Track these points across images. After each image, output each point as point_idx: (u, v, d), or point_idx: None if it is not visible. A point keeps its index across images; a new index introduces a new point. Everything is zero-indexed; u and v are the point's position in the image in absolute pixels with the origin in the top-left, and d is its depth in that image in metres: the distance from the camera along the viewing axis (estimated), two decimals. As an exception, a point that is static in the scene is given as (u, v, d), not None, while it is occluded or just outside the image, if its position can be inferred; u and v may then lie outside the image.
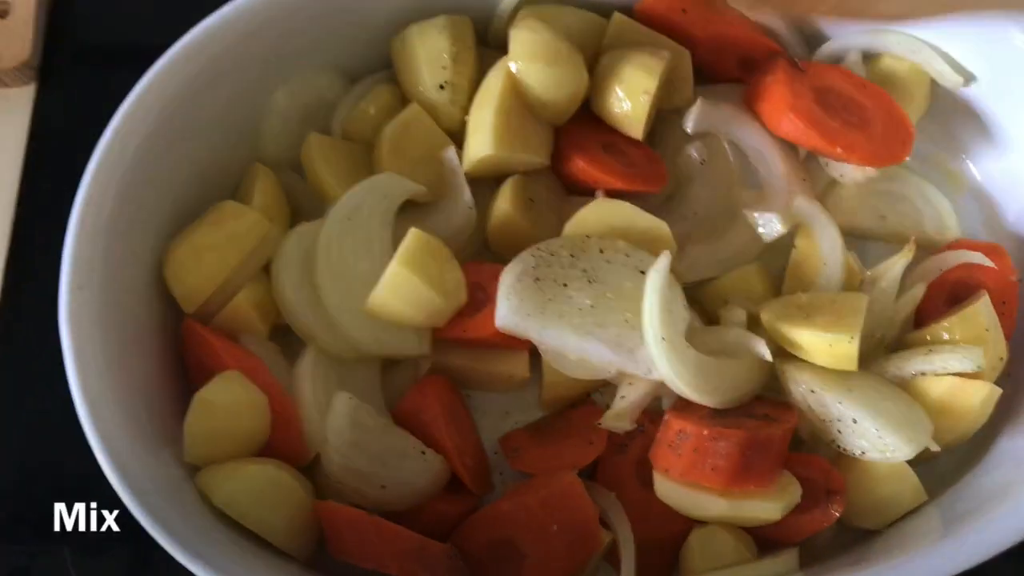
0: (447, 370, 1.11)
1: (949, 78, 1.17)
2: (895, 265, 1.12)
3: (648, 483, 1.04)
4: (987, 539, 0.92)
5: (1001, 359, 1.09)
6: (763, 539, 1.04)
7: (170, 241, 1.08)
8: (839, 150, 1.12)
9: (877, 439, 1.01)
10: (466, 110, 1.14)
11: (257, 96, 1.15)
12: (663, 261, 1.00)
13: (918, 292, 1.13)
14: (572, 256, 1.04)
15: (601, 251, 1.04)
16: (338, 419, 1.03)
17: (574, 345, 1.02)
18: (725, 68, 1.20)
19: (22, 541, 1.16)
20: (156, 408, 1.03)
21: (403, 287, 1.03)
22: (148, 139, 1.02)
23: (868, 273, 1.14)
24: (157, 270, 1.07)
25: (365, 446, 1.03)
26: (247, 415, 1.02)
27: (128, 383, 0.99)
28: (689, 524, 1.04)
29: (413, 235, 1.04)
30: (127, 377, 0.99)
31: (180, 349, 1.09)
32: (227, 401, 1.01)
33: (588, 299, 1.02)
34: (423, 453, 1.04)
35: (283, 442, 1.04)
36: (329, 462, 1.03)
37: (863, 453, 1.03)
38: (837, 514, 1.02)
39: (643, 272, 1.02)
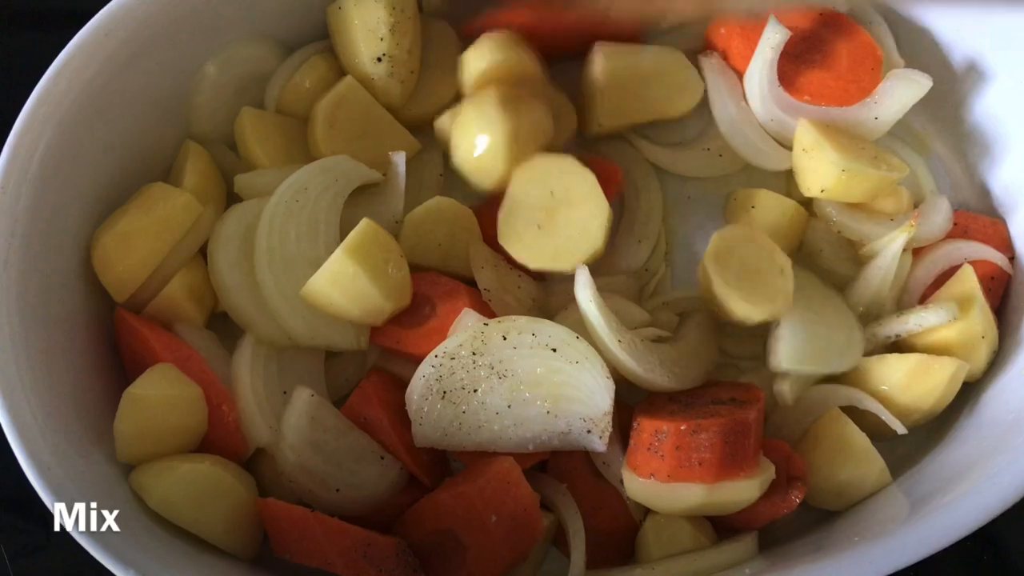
0: (390, 372, 1.06)
1: (894, 59, 1.15)
2: (894, 242, 1.07)
3: (599, 474, 1.01)
4: (951, 522, 0.88)
5: (983, 336, 1.06)
6: (722, 525, 1.02)
7: (97, 227, 1.02)
8: (807, 97, 1.10)
9: None
10: (404, 82, 1.09)
11: (188, 68, 1.10)
12: (583, 276, 0.98)
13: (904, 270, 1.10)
14: (475, 355, 0.97)
15: (504, 338, 0.97)
16: (297, 415, 0.98)
17: (503, 446, 0.98)
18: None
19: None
20: (86, 404, 0.98)
21: (345, 278, 0.97)
22: (69, 116, 0.97)
23: (866, 248, 1.10)
24: (85, 257, 1.02)
25: (322, 445, 0.99)
26: (181, 410, 0.97)
27: (53, 377, 0.94)
28: (645, 513, 1.01)
29: (365, 225, 0.99)
30: (52, 371, 0.94)
31: (113, 341, 1.05)
32: (159, 396, 0.96)
33: (502, 399, 0.97)
34: (382, 458, 1.00)
35: (221, 437, 1.00)
36: (283, 459, 0.98)
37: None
38: (798, 500, 0.99)
39: (554, 349, 0.97)
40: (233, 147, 1.13)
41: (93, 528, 0.87)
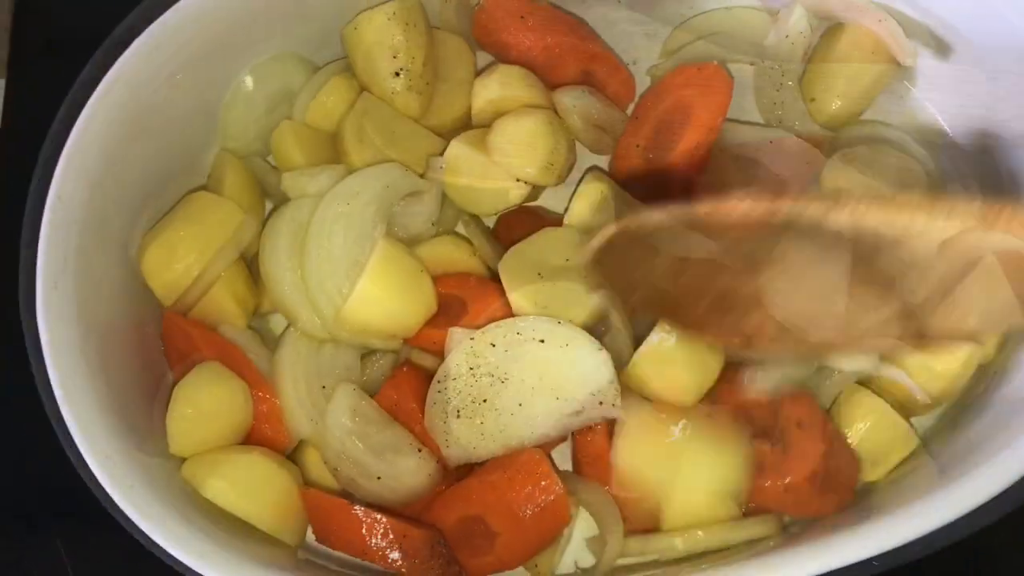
0: (422, 367, 1.10)
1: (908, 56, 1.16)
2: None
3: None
4: (984, 482, 0.89)
5: None
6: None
7: (145, 235, 1.08)
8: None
9: None
10: (423, 94, 1.14)
11: (221, 84, 1.15)
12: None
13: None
14: (471, 369, 1.02)
15: (493, 344, 1.02)
16: (340, 409, 1.03)
17: (530, 441, 1.03)
18: (565, 78, 1.20)
19: (13, 534, 1.17)
20: (138, 402, 1.04)
21: (371, 303, 1.04)
22: (115, 132, 1.02)
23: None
24: (131, 264, 1.08)
25: (364, 437, 1.03)
26: (228, 404, 1.03)
27: (109, 378, 0.99)
28: None
29: (384, 249, 1.05)
30: (107, 373, 0.99)
31: (160, 342, 1.10)
32: (208, 391, 1.02)
33: (513, 401, 1.01)
34: (419, 450, 1.04)
35: (265, 430, 1.06)
36: (327, 449, 1.03)
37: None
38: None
39: (542, 340, 1.00)
40: (265, 160, 1.19)
41: (151, 513, 0.92)
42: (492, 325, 1.02)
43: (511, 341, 1.01)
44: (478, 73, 1.18)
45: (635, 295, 1.00)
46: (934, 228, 0.77)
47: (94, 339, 0.99)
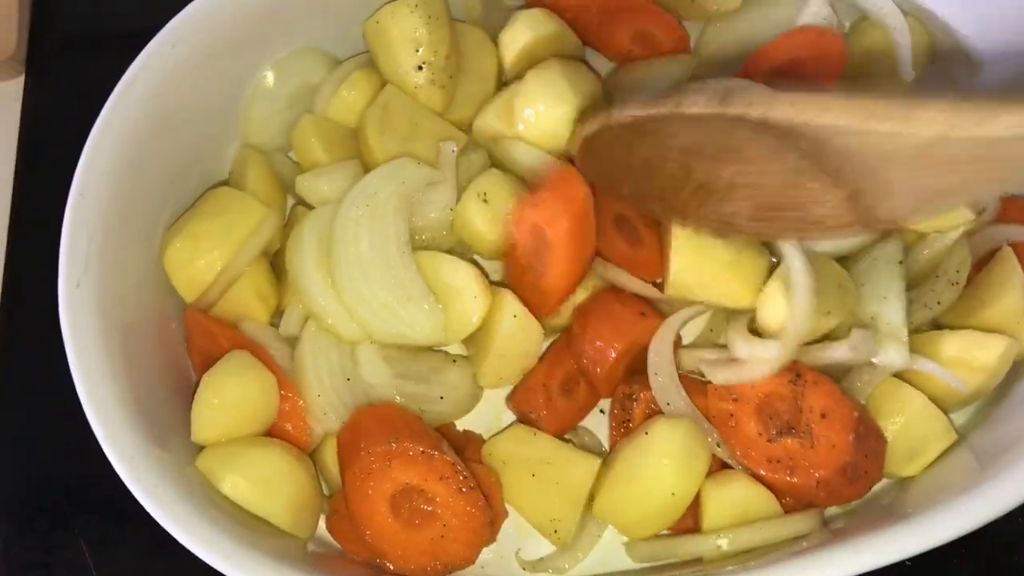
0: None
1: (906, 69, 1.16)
2: (947, 236, 1.07)
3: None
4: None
5: None
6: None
7: (167, 231, 1.08)
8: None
9: None
10: (446, 87, 1.13)
11: (242, 80, 1.15)
12: None
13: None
14: None
15: None
16: (373, 363, 1.05)
17: None
18: (618, 41, 1.19)
19: (40, 534, 1.16)
20: (161, 400, 1.03)
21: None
22: (137, 129, 1.02)
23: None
24: (154, 260, 1.07)
25: (407, 373, 1.06)
26: (256, 395, 1.03)
27: (132, 376, 0.99)
28: None
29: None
30: (131, 371, 0.99)
31: (183, 339, 1.10)
32: (236, 381, 1.02)
33: None
34: (454, 361, 1.09)
35: (287, 428, 1.06)
36: (389, 398, 1.05)
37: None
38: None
39: None
40: (286, 155, 1.18)
41: (174, 513, 0.91)
42: None
43: None
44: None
45: (624, 185, 1.03)
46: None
47: (117, 337, 0.99)
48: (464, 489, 0.98)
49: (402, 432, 0.99)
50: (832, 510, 1.06)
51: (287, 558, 0.95)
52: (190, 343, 1.10)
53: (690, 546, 1.01)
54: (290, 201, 1.18)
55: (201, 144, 1.13)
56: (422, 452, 0.98)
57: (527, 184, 1.10)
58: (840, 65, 1.13)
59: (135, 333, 1.03)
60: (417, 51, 1.11)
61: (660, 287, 1.09)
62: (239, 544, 0.92)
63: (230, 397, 1.01)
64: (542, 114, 1.07)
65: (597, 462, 1.03)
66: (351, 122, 1.15)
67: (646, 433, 1.01)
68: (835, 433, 0.99)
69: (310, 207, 1.10)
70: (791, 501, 1.03)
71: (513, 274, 1.09)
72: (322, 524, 1.07)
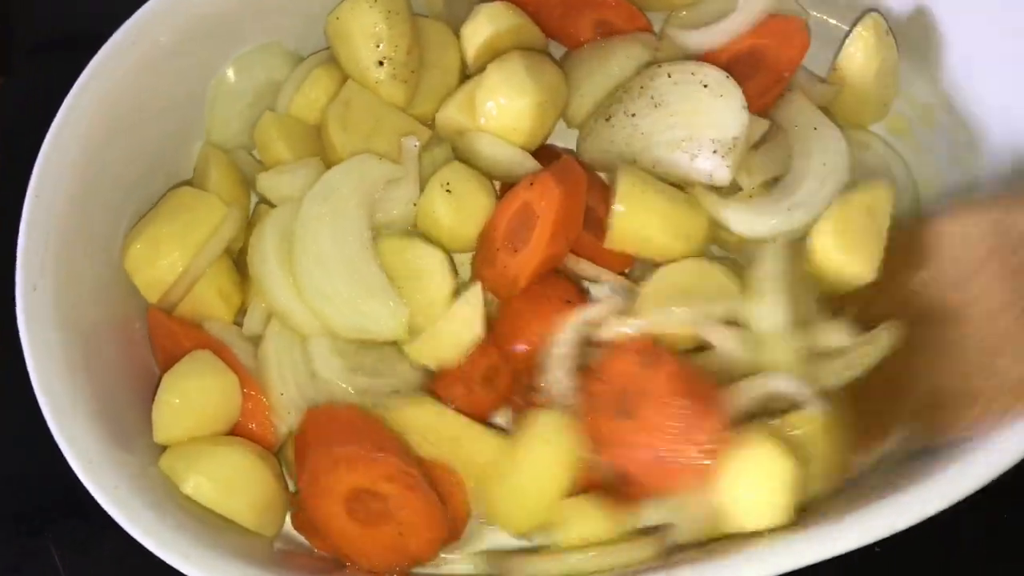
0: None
1: None
2: None
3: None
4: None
5: None
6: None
7: (128, 233, 1.07)
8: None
9: None
10: (407, 82, 1.13)
11: (204, 78, 1.15)
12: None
13: None
14: (642, 88, 1.11)
15: (669, 75, 1.09)
16: (322, 359, 1.05)
17: (643, 163, 1.09)
18: (581, 32, 1.19)
19: (11, 541, 1.16)
20: (124, 402, 1.03)
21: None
22: (94, 130, 1.02)
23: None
24: (116, 262, 1.07)
25: (359, 366, 1.05)
26: (217, 394, 1.02)
27: (93, 379, 0.99)
28: None
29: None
30: (92, 373, 0.99)
31: (147, 340, 1.10)
32: (196, 380, 1.01)
33: (653, 124, 1.09)
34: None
35: (252, 428, 1.05)
36: (343, 394, 1.04)
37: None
38: None
39: (705, 86, 1.07)
40: (250, 153, 1.17)
41: (134, 514, 0.91)
42: (680, 62, 1.11)
43: (684, 78, 1.09)
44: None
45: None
46: None
47: (78, 340, 0.99)
48: (412, 487, 0.98)
49: (347, 434, 0.99)
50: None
51: (252, 557, 0.95)
52: (153, 344, 1.09)
53: (526, 567, 1.00)
54: (254, 199, 1.17)
55: (164, 143, 1.12)
56: (366, 455, 0.97)
57: (491, 176, 1.10)
58: (801, 52, 1.12)
59: (97, 335, 1.02)
60: (378, 46, 1.10)
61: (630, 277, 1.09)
62: (199, 544, 0.91)
63: (190, 397, 1.01)
64: (503, 106, 1.07)
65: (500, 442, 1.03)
66: (314, 119, 1.15)
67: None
68: (655, 414, 0.96)
69: (272, 205, 1.10)
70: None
71: (483, 255, 1.08)
72: (289, 521, 1.06)
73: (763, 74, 1.13)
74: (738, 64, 1.13)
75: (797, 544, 0.86)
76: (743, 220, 1.08)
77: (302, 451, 1.01)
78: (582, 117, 1.16)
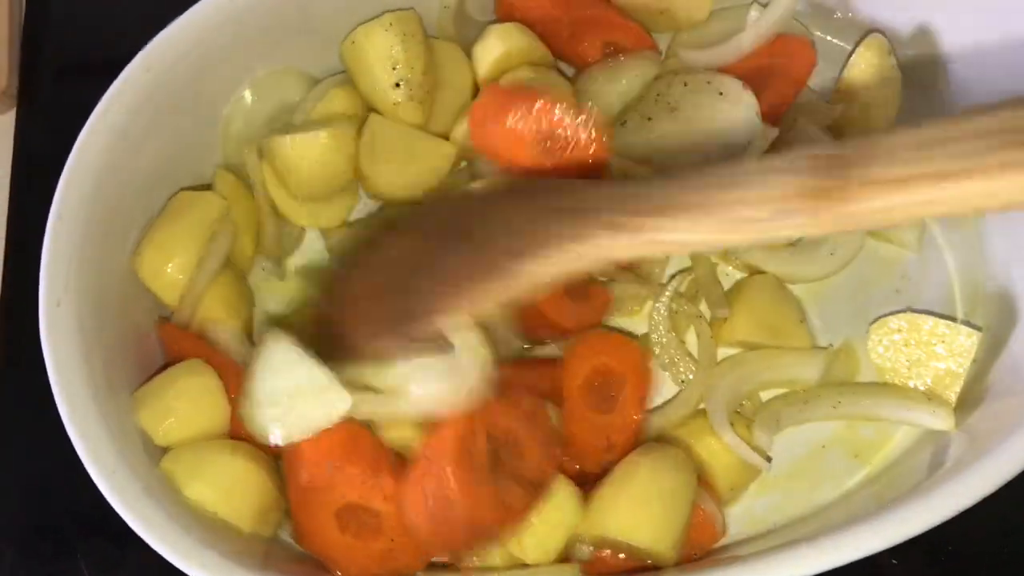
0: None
1: None
2: None
3: None
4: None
5: None
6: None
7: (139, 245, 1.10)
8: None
9: None
10: (424, 103, 1.15)
11: (221, 101, 1.17)
12: None
13: None
14: (658, 95, 1.15)
15: (685, 84, 1.14)
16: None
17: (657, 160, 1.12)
18: (588, 53, 1.21)
19: (43, 559, 1.18)
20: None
21: None
22: (113, 153, 1.04)
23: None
24: (133, 279, 1.09)
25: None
26: (196, 395, 1.04)
27: (114, 392, 1.01)
28: None
29: None
30: (112, 387, 1.01)
31: (160, 355, 1.13)
32: (181, 383, 1.04)
33: (667, 127, 1.14)
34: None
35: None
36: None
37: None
38: None
39: (721, 93, 1.12)
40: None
41: (155, 527, 0.93)
42: (693, 70, 1.16)
43: (699, 86, 1.13)
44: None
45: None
46: None
47: (98, 353, 1.01)
48: None
49: (343, 454, 1.00)
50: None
51: (253, 559, 0.98)
52: (167, 356, 1.12)
53: None
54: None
55: (181, 165, 1.14)
56: (361, 475, 0.99)
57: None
58: (808, 70, 1.15)
59: (115, 349, 1.05)
60: (394, 69, 1.13)
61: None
62: (222, 557, 0.93)
63: (172, 401, 1.03)
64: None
65: None
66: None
67: None
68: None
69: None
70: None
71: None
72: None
73: (770, 92, 1.14)
74: (745, 83, 1.14)
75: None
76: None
77: (293, 466, 1.02)
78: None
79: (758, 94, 1.13)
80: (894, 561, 1.09)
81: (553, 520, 1.01)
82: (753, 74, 1.16)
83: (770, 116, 1.13)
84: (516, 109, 1.06)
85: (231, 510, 1.01)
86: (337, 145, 1.12)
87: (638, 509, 0.99)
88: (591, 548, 1.02)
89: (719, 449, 1.06)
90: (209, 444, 1.04)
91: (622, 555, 1.00)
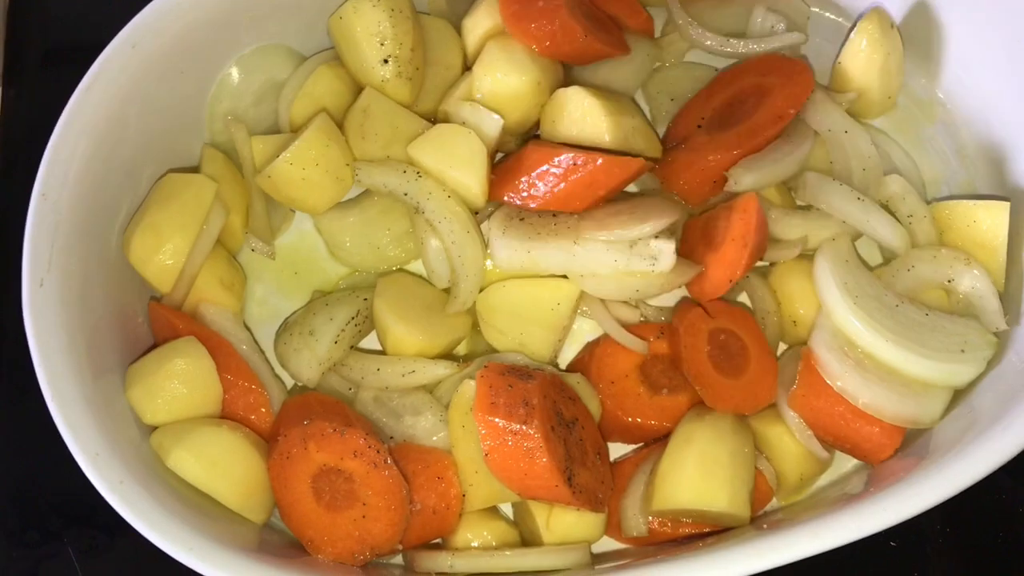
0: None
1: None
2: None
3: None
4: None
5: None
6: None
7: (125, 227, 1.09)
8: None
9: None
10: (413, 79, 1.13)
11: (207, 78, 1.16)
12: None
13: None
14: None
15: None
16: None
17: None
18: None
19: (30, 546, 1.17)
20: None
21: None
22: (98, 131, 1.03)
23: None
24: (120, 258, 1.08)
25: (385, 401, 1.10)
26: (186, 373, 1.03)
27: (98, 373, 1.00)
28: None
29: None
30: (97, 368, 1.00)
31: (150, 334, 1.12)
32: (170, 363, 1.03)
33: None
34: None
35: (251, 417, 1.07)
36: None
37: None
38: None
39: None
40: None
41: (139, 509, 0.92)
42: None
43: None
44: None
45: None
46: None
47: (83, 334, 1.00)
48: (378, 464, 0.99)
49: (316, 413, 1.01)
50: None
51: (246, 545, 0.97)
52: (157, 338, 1.10)
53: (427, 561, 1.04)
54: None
55: (167, 143, 1.13)
56: (333, 430, 0.99)
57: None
58: (806, 92, 1.13)
59: (101, 330, 1.03)
60: (382, 45, 1.11)
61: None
62: (204, 538, 0.92)
63: (164, 381, 1.02)
64: (500, 80, 1.09)
65: None
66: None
67: None
68: None
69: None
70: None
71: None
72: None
73: (766, 110, 1.13)
74: (742, 100, 1.15)
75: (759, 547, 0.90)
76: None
77: (272, 437, 1.04)
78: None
79: (752, 112, 1.13)
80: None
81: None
82: (749, 92, 1.15)
83: (767, 133, 1.12)
84: None
85: (215, 483, 1.00)
86: (326, 140, 1.10)
87: (709, 475, 1.00)
88: (646, 522, 1.04)
89: (790, 441, 1.06)
90: (197, 419, 1.03)
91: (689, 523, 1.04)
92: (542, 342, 1.11)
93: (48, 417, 0.95)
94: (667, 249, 1.04)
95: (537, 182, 1.07)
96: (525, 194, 1.08)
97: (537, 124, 1.15)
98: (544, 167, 1.06)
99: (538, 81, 1.09)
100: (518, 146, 1.15)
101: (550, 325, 1.10)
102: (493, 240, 1.08)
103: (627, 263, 1.05)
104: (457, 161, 1.09)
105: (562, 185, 1.06)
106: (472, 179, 1.09)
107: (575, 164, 1.05)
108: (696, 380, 1.06)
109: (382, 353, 1.13)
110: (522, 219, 1.08)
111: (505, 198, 1.09)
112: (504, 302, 1.11)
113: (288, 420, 1.02)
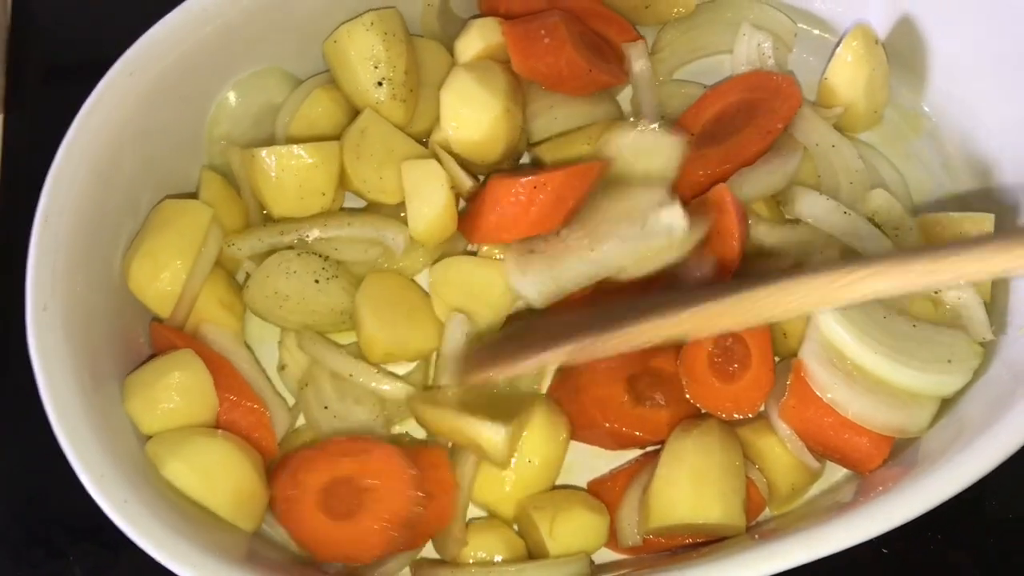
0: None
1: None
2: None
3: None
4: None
5: None
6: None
7: (125, 253, 1.10)
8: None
9: None
10: (407, 101, 1.15)
11: (205, 102, 1.17)
12: None
13: None
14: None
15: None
16: None
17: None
18: None
19: (35, 564, 1.17)
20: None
21: None
22: (99, 156, 1.04)
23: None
24: (121, 284, 1.09)
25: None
26: (182, 383, 1.04)
27: (103, 395, 1.02)
28: None
29: None
30: (100, 390, 1.01)
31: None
32: (165, 379, 1.04)
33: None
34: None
35: (254, 435, 1.08)
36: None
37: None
38: None
39: None
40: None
41: (144, 528, 0.92)
42: None
43: None
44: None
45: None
46: None
47: (86, 356, 1.01)
48: (367, 449, 1.04)
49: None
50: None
51: (238, 553, 0.99)
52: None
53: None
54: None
55: (167, 167, 1.14)
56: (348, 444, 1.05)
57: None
58: (794, 108, 1.15)
59: (104, 352, 1.05)
60: (376, 68, 1.13)
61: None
62: (207, 553, 0.93)
63: (161, 392, 1.03)
64: (468, 120, 1.12)
65: None
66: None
67: None
68: None
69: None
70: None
71: None
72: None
73: (755, 126, 1.14)
74: (731, 116, 1.17)
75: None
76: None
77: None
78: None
79: (741, 129, 1.14)
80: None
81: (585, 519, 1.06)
82: (736, 108, 1.17)
83: (756, 147, 1.14)
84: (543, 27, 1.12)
85: (209, 493, 1.00)
86: (319, 162, 1.12)
87: (701, 489, 1.01)
88: (640, 535, 1.06)
89: (781, 451, 1.07)
90: (193, 428, 1.04)
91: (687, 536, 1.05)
92: (486, 322, 1.13)
93: (51, 435, 0.95)
94: (675, 212, 1.05)
95: (506, 214, 1.08)
96: (501, 230, 1.10)
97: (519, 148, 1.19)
98: (509, 198, 1.07)
99: (505, 108, 1.12)
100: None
101: (498, 307, 1.13)
102: (518, 286, 1.10)
103: (647, 244, 1.06)
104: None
105: (532, 209, 1.07)
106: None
107: (535, 187, 1.06)
108: (686, 373, 1.09)
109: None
110: (531, 251, 1.10)
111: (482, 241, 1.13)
112: (457, 276, 1.14)
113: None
